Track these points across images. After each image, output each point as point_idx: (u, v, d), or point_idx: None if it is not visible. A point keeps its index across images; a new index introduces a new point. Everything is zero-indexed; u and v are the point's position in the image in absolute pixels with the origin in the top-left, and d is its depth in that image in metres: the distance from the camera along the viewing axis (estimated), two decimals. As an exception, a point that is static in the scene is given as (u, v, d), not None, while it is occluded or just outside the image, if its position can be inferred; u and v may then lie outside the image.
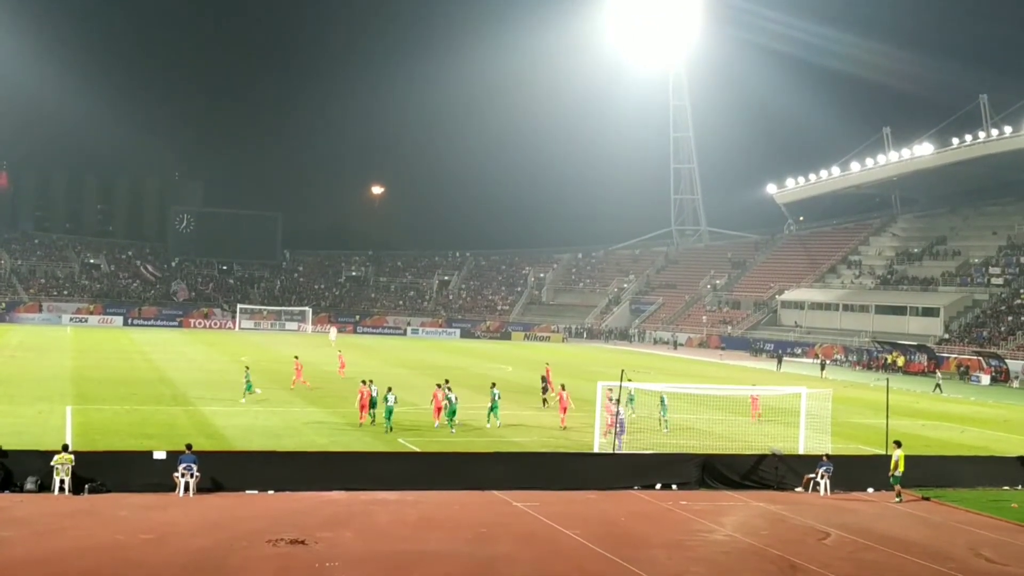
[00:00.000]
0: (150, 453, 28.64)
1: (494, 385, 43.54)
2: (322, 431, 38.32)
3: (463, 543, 23.68)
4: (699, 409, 45.52)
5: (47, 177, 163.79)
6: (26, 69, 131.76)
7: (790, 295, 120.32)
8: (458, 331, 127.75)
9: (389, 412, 39.03)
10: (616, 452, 33.85)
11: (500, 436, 38.60)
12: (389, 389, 39.96)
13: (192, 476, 27.29)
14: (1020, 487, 34.27)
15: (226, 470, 28.42)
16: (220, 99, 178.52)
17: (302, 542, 22.68)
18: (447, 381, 42.15)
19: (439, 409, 40.57)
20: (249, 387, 45.06)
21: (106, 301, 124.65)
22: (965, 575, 22.81)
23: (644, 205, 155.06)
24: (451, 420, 39.53)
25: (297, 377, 51.65)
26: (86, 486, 26.87)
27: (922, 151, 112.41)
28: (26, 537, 22.47)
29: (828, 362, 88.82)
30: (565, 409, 42.15)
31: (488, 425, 41.17)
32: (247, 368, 46.93)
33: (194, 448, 28.27)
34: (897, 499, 31.10)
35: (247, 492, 27.97)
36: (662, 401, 42.20)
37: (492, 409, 41.83)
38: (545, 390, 48.45)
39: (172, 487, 27.18)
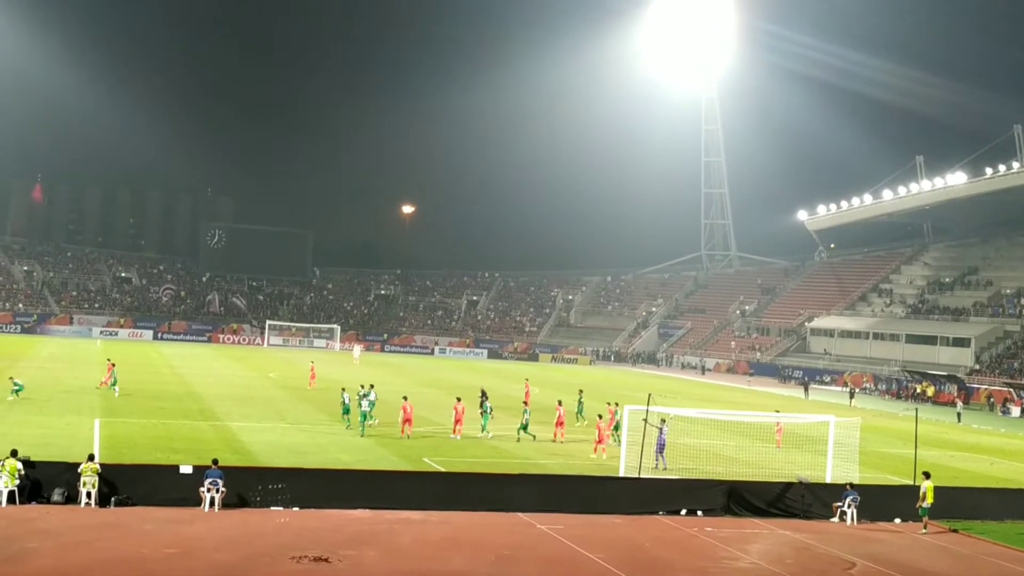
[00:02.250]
0: (177, 467, 28.74)
1: (485, 397, 45.32)
2: (347, 448, 38.35)
3: (486, 565, 23.63)
4: (726, 435, 45.32)
5: (81, 191, 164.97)
6: (61, 83, 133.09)
7: (820, 322, 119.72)
8: (485, 352, 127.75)
9: (364, 416, 41.86)
10: (642, 477, 33.70)
11: (526, 458, 38.54)
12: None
13: (218, 491, 27.36)
14: (1050, 521, 33.92)
15: (252, 486, 28.49)
16: (253, 116, 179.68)
17: (326, 559, 22.69)
18: (484, 393, 43.29)
19: (457, 422, 42.57)
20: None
21: (136, 315, 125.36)
22: (992, 609, 22.59)
23: (674, 229, 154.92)
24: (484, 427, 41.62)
25: (311, 380, 53.74)
26: (112, 499, 26.99)
27: (955, 180, 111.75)
28: (53, 549, 22.57)
29: (857, 391, 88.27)
30: (561, 423, 43.27)
31: (481, 435, 42.72)
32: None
33: (220, 463, 28.34)
34: (924, 530, 30.84)
35: (272, 508, 28.01)
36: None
37: (484, 418, 43.55)
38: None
39: (198, 502, 27.25)
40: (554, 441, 42.35)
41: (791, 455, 42.51)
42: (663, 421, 35.81)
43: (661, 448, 35.39)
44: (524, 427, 41.70)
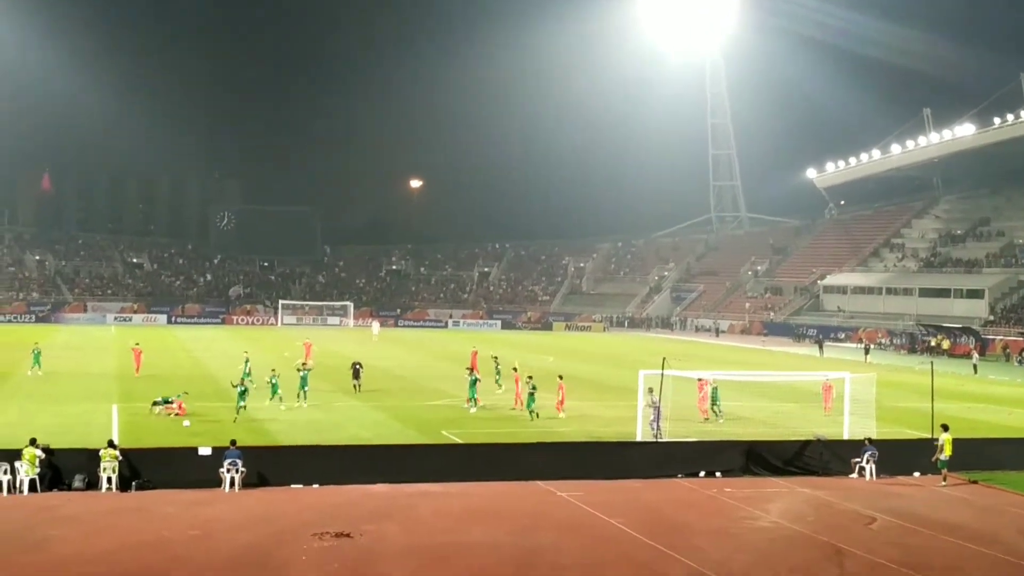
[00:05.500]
0: (195, 449, 28.87)
1: (470, 370, 45.54)
2: (365, 425, 38.46)
3: (507, 534, 23.72)
4: (741, 396, 45.35)
5: (89, 178, 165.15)
6: (66, 73, 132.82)
7: (832, 280, 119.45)
8: (499, 323, 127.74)
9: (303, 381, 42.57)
10: (658, 440, 33.75)
11: (542, 426, 38.58)
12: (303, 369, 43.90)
13: (237, 471, 27.49)
14: (1069, 468, 33.92)
15: (271, 465, 28.63)
16: (257, 97, 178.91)
17: (347, 535, 22.80)
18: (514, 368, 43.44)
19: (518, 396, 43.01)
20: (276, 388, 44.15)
21: (149, 300, 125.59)
22: (1013, 557, 22.61)
23: (683, 193, 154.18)
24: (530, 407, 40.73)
25: (306, 356, 54.16)
26: (133, 483, 27.14)
27: (963, 132, 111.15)
28: (75, 535, 22.72)
29: (872, 346, 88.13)
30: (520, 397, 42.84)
31: (471, 408, 42.63)
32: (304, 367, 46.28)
33: (239, 443, 28.46)
34: (943, 483, 30.85)
35: (292, 486, 28.14)
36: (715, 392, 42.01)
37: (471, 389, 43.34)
38: (472, 375, 45.55)
39: (218, 482, 27.38)
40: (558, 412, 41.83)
41: (808, 413, 42.53)
42: (650, 391, 35.66)
43: (656, 417, 35.24)
44: (531, 399, 41.23)
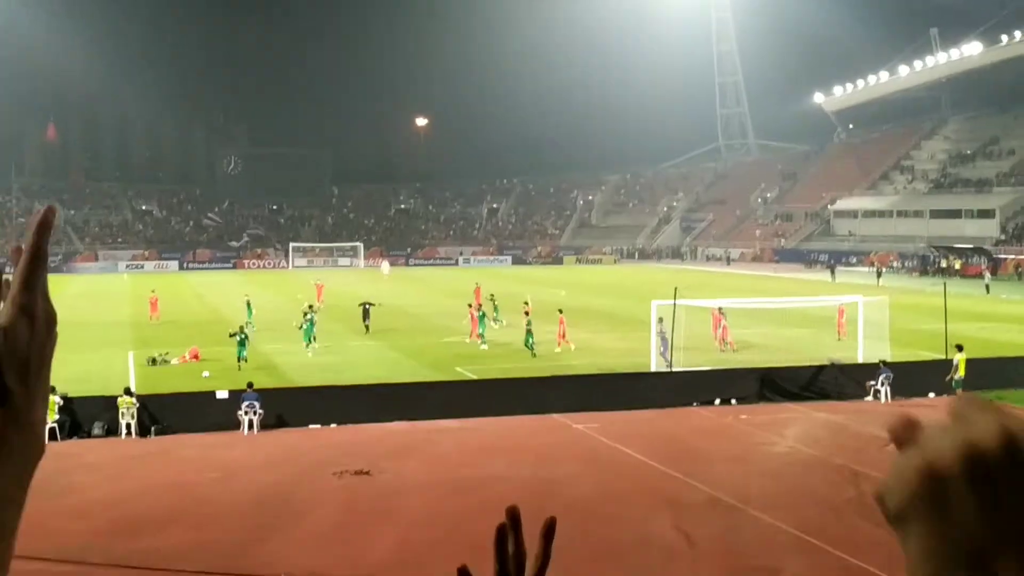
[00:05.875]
0: (213, 393, 29.08)
1: (471, 306, 46.22)
2: (380, 364, 38.61)
3: (525, 466, 23.88)
4: (755, 323, 45.40)
5: (93, 126, 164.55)
6: (66, 21, 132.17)
7: (843, 204, 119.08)
8: (509, 258, 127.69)
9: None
10: (672, 370, 33.88)
11: (556, 360, 38.74)
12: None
13: (256, 413, 27.69)
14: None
15: (289, 406, 28.84)
16: (261, 38, 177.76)
17: (367, 472, 22.99)
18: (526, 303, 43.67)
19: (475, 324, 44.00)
20: (309, 331, 44.17)
21: (161, 247, 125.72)
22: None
23: (690, 121, 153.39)
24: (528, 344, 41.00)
25: (318, 298, 54.39)
26: (152, 428, 27.36)
27: (970, 50, 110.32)
28: (98, 481, 22.94)
29: (884, 269, 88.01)
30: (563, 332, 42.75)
31: (482, 344, 42.89)
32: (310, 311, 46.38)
33: (256, 386, 28.63)
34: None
35: (310, 427, 28.35)
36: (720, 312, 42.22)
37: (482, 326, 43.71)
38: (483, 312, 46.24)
39: (236, 425, 27.60)
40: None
41: (822, 337, 42.59)
42: (660, 320, 35.91)
43: (665, 347, 35.50)
44: (528, 335, 41.18)
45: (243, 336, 38.80)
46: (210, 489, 21.96)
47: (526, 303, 44.14)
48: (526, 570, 1.77)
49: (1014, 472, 0.90)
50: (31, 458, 1.23)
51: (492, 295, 52.42)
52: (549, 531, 1.77)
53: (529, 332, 40.73)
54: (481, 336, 43.31)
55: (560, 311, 43.03)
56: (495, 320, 48.18)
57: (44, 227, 1.33)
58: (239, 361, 37.29)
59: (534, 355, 40.00)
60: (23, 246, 1.31)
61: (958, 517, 0.91)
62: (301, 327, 42.75)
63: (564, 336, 41.91)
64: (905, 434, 0.95)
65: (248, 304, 49.55)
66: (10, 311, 1.25)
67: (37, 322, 1.27)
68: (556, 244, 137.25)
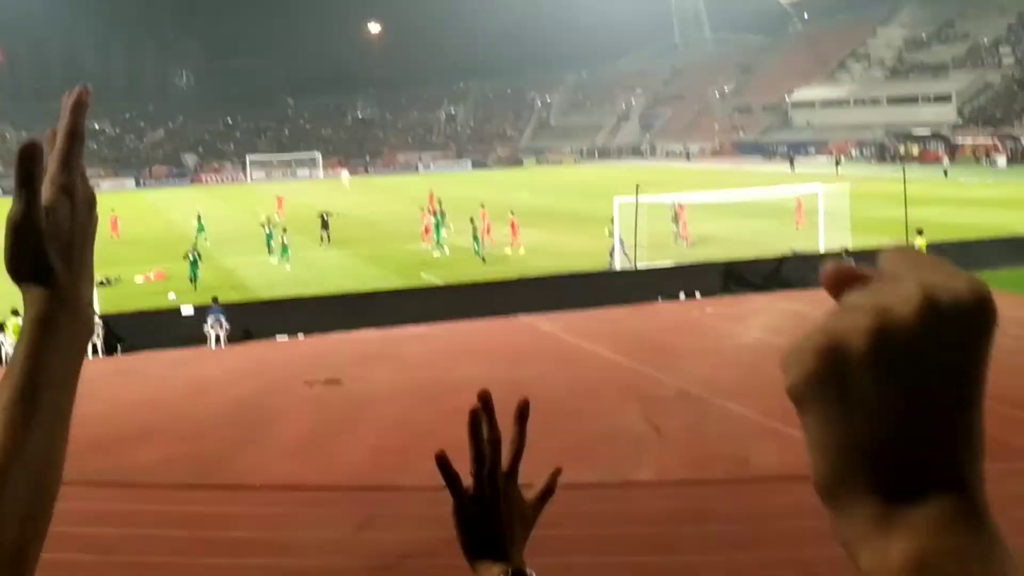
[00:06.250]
0: (178, 309, 29.00)
1: (423, 210, 47.00)
2: (344, 273, 38.54)
3: (494, 369, 23.97)
4: (717, 217, 45.54)
5: (42, 46, 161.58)
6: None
7: (800, 95, 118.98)
8: (469, 163, 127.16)
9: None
10: (636, 268, 33.99)
11: (519, 262, 38.78)
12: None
13: (222, 328, 27.64)
14: (1043, 264, 34.48)
15: (255, 319, 28.81)
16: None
17: (337, 381, 23.06)
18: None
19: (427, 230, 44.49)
20: (270, 242, 43.99)
21: (116, 165, 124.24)
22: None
23: (645, 17, 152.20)
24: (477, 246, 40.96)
25: (278, 210, 55.91)
26: (118, 347, 27.28)
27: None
28: (67, 401, 22.85)
29: (843, 158, 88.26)
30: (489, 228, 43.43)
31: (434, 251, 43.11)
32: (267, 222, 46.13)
33: (220, 300, 28.54)
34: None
35: (278, 338, 28.35)
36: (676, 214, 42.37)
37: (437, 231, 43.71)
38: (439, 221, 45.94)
39: (203, 341, 27.56)
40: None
41: (784, 229, 42.84)
42: (611, 221, 36.23)
43: (619, 247, 35.87)
44: (475, 241, 41.09)
45: (195, 256, 37.71)
46: (181, 404, 21.96)
47: (482, 206, 44.22)
48: (502, 455, 1.79)
49: (927, 347, 0.75)
50: (79, 338, 1.23)
51: (439, 200, 52.12)
52: (523, 414, 1.78)
53: (476, 238, 40.58)
54: (437, 242, 43.27)
55: (512, 213, 43.07)
56: (446, 225, 47.95)
57: (79, 107, 1.34)
58: (192, 282, 36.27)
59: (483, 260, 39.87)
60: (59, 127, 1.34)
61: (857, 402, 0.76)
62: (272, 244, 42.70)
63: (516, 238, 42.06)
64: (839, 285, 0.82)
65: (199, 219, 49.20)
66: (51, 191, 1.26)
67: (77, 202, 1.29)
68: (516, 147, 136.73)
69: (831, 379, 0.77)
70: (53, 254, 1.19)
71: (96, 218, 1.30)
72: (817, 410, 0.78)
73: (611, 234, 36.02)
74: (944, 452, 0.76)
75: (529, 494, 1.80)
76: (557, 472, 1.81)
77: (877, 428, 0.76)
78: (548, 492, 1.81)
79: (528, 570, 1.72)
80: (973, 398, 0.77)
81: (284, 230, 42.76)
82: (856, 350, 0.76)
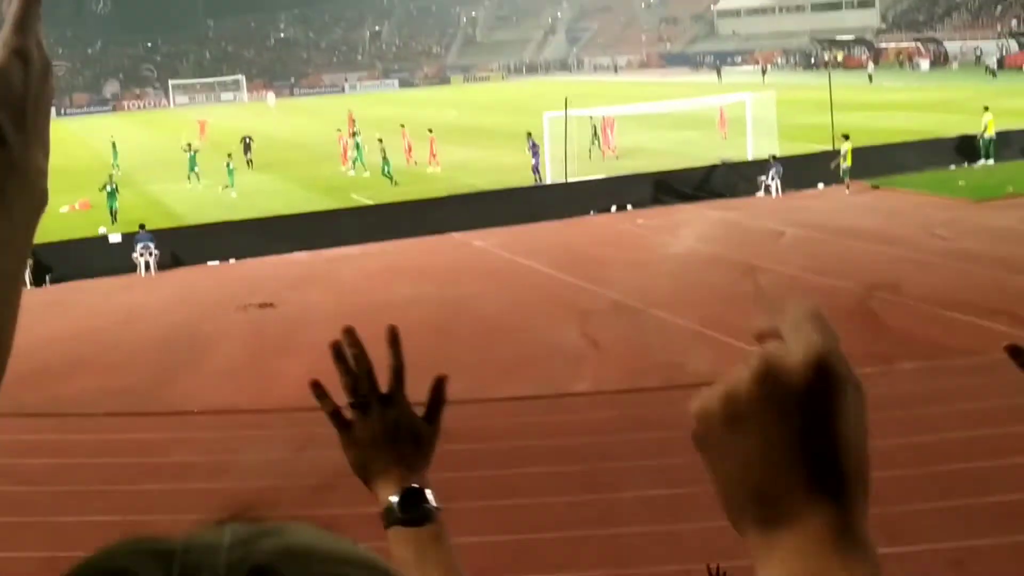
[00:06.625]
0: (105, 237, 28.61)
1: (340, 131, 47.22)
2: (274, 196, 38.09)
3: (430, 286, 23.99)
4: (645, 128, 45.61)
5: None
6: None
7: (726, 4, 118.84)
8: (396, 82, 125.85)
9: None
10: (570, 181, 33.92)
11: (449, 179, 38.58)
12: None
13: (151, 254, 27.32)
14: (966, 165, 34.96)
15: (184, 245, 28.50)
16: None
17: (271, 305, 22.93)
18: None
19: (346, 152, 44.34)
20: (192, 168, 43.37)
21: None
22: (920, 254, 23.39)
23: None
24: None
25: (200, 134, 55.54)
26: (47, 277, 26.89)
27: None
28: (-4, 334, 22.52)
29: (769, 67, 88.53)
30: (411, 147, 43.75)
31: (349, 171, 42.88)
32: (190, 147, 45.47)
33: (148, 227, 28.17)
34: (847, 191, 31.65)
35: (209, 264, 28.08)
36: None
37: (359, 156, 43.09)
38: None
39: (132, 268, 27.23)
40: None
41: (712, 138, 43.02)
42: (528, 135, 36.24)
43: (537, 160, 36.05)
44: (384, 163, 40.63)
45: (112, 187, 35.89)
46: (113, 334, 21.75)
47: (402, 125, 44.14)
48: (384, 380, 1.79)
49: (762, 407, 0.90)
50: (31, 208, 1.18)
51: (355, 121, 51.64)
52: (394, 338, 1.77)
53: (384, 159, 40.00)
54: (355, 162, 42.89)
55: (430, 131, 42.84)
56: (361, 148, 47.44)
57: None
58: (111, 214, 34.51)
59: (395, 182, 38.96)
60: None
61: (732, 449, 0.91)
62: (195, 170, 42.13)
63: (434, 156, 41.89)
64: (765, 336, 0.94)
65: (113, 146, 48.31)
66: (3, 53, 1.19)
67: (32, 67, 1.21)
68: (442, 64, 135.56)
69: (715, 431, 0.92)
70: (4, 118, 1.14)
71: (52, 89, 1.24)
72: (711, 455, 0.94)
73: (531, 148, 36.10)
74: (802, 489, 0.88)
75: (420, 411, 1.80)
76: (440, 380, 1.81)
77: (745, 471, 0.90)
78: (436, 404, 1.82)
79: (423, 487, 1.72)
80: (830, 442, 0.89)
81: (229, 155, 41.97)
82: (720, 409, 0.92)
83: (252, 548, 0.69)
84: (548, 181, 34.65)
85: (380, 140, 41.27)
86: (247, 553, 0.69)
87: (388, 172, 39.68)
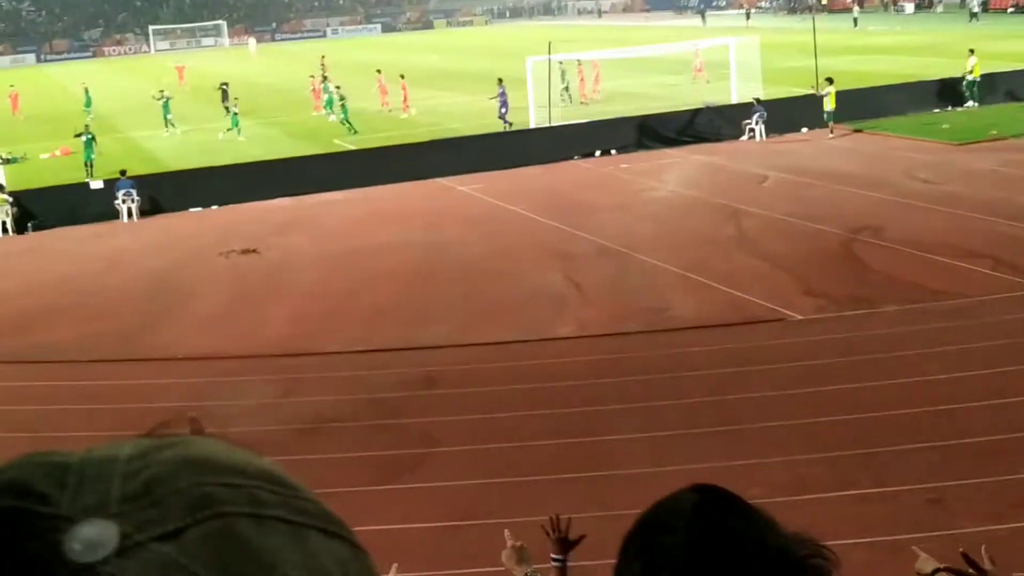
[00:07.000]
0: (87, 184, 28.45)
1: (313, 77, 47.57)
2: (255, 142, 37.86)
3: (414, 232, 23.97)
4: (628, 73, 45.43)
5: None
6: None
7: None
8: (379, 26, 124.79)
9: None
10: (553, 125, 33.78)
11: (432, 124, 38.41)
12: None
13: (133, 201, 27.20)
14: (949, 108, 34.94)
15: (166, 191, 28.36)
16: None
17: (254, 250, 22.89)
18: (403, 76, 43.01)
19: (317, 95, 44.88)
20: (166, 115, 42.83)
21: (15, 40, 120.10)
22: (903, 198, 23.42)
23: None
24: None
25: (180, 80, 56.95)
26: (29, 224, 26.77)
27: None
28: (-22, 282, 22.48)
29: (753, 10, 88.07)
30: (385, 91, 43.53)
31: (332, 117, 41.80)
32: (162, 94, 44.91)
33: (129, 173, 28.00)
34: (831, 135, 31.61)
35: (191, 210, 27.97)
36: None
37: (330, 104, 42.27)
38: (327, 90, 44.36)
39: (114, 215, 27.11)
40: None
41: (696, 82, 42.95)
42: (500, 81, 36.09)
43: (505, 109, 35.95)
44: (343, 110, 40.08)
45: (89, 136, 34.12)
46: (96, 280, 21.68)
47: (378, 71, 43.89)
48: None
49: None
50: None
51: (323, 67, 51.36)
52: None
53: (343, 107, 39.22)
54: (327, 108, 42.58)
55: (402, 76, 42.63)
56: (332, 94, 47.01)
57: None
58: (86, 166, 32.93)
59: (354, 131, 38.14)
60: None
61: None
62: (168, 116, 41.83)
63: (406, 102, 41.75)
64: None
65: (86, 92, 47.87)
66: None
67: None
68: (425, 8, 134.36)
69: None
70: None
71: None
72: None
73: (500, 95, 35.96)
74: None
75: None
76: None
77: None
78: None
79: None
80: None
81: (236, 99, 41.66)
82: None
83: (150, 459, 0.70)
84: (532, 125, 34.46)
85: (338, 87, 40.87)
86: (144, 464, 0.69)
87: (346, 119, 38.88)
